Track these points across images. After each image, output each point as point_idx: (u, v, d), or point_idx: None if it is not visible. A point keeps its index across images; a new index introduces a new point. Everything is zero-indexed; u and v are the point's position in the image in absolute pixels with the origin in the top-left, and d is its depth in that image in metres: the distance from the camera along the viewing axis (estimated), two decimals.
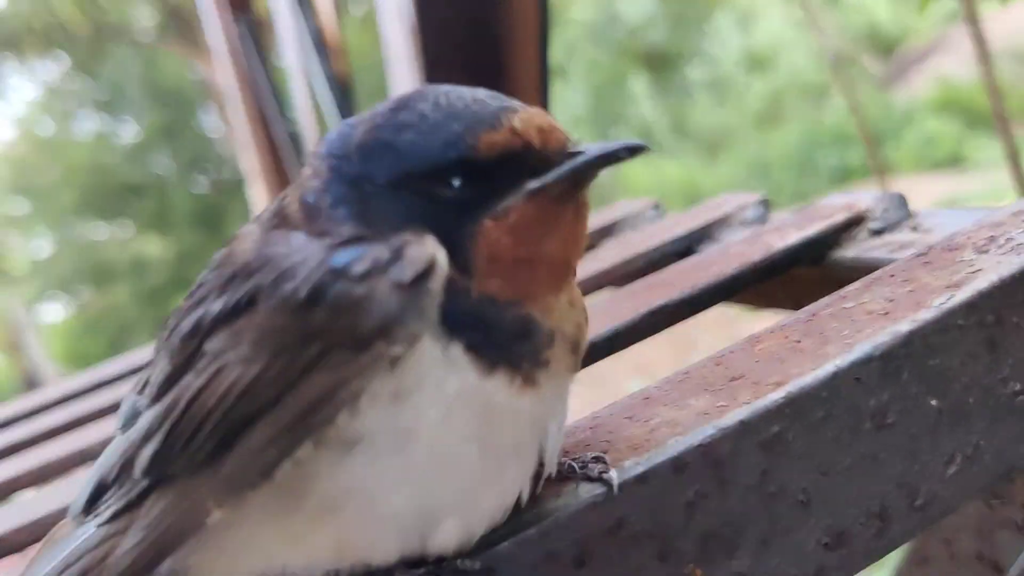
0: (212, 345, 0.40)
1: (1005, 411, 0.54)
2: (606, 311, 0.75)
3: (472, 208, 0.40)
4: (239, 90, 2.79)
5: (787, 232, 0.81)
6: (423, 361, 0.39)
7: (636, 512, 0.47)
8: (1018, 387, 0.55)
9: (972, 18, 2.20)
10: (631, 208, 1.14)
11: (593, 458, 0.48)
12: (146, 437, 0.42)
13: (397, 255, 0.38)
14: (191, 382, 0.40)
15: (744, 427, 0.49)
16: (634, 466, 0.47)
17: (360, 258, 0.38)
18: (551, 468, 0.46)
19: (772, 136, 9.42)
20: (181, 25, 7.90)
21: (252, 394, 0.38)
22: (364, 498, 0.40)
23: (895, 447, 0.52)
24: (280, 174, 2.80)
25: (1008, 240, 0.59)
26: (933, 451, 0.53)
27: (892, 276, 0.60)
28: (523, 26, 1.11)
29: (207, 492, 0.39)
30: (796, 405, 0.50)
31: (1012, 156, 2.23)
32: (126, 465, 0.43)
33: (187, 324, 0.42)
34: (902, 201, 0.79)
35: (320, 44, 2.05)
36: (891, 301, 0.57)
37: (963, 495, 0.54)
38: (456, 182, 0.40)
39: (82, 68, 10.32)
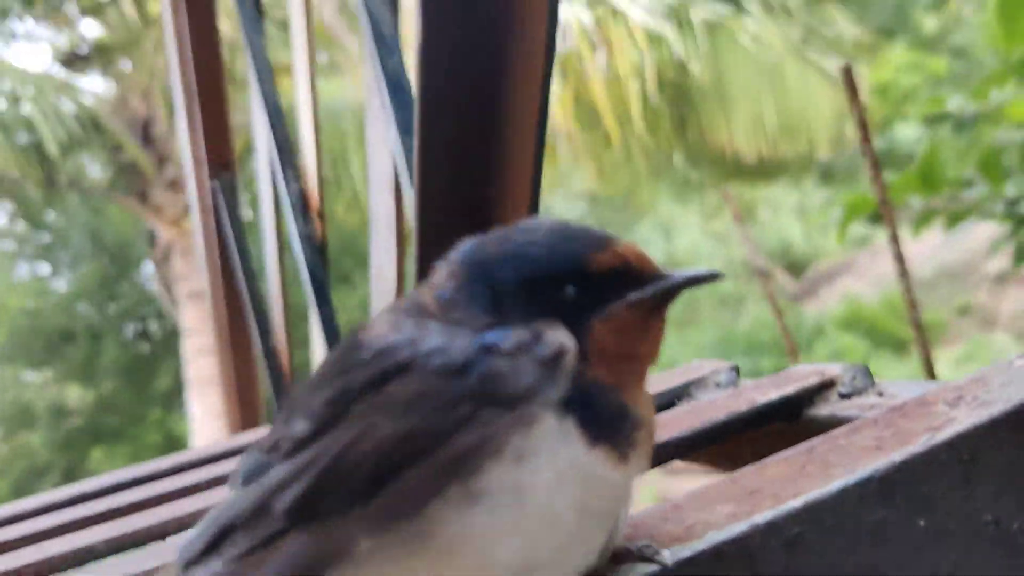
0: (360, 407, 0.48)
1: (979, 537, 0.64)
2: None
3: (585, 311, 0.50)
4: (204, 245, 2.87)
5: (767, 390, 0.92)
6: (545, 430, 0.47)
7: None
8: (990, 517, 0.64)
9: (894, 237, 2.43)
10: None
11: (644, 544, 0.56)
12: (282, 486, 0.49)
13: (537, 338, 0.47)
14: (341, 436, 0.47)
15: (771, 527, 0.58)
16: (680, 551, 0.55)
17: (507, 338, 0.47)
18: (616, 542, 0.54)
19: (689, 335, 9.77)
20: (132, 180, 8.08)
21: (409, 442, 0.45)
22: (480, 545, 0.47)
23: (889, 559, 0.61)
24: (234, 327, 2.84)
25: (975, 398, 0.70)
26: (919, 565, 0.62)
27: (875, 423, 0.71)
28: (515, 206, 1.24)
29: (357, 526, 0.46)
30: (812, 512, 0.59)
31: (928, 368, 2.42)
32: (260, 510, 0.49)
33: (330, 392, 0.50)
34: (867, 371, 0.91)
35: (303, 206, 2.16)
36: (879, 439, 0.67)
37: None
38: (571, 289, 0.50)
39: (26, 215, 10.40)
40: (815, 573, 0.58)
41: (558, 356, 0.47)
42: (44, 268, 11.56)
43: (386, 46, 1.54)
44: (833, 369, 0.93)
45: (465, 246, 0.53)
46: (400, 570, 0.47)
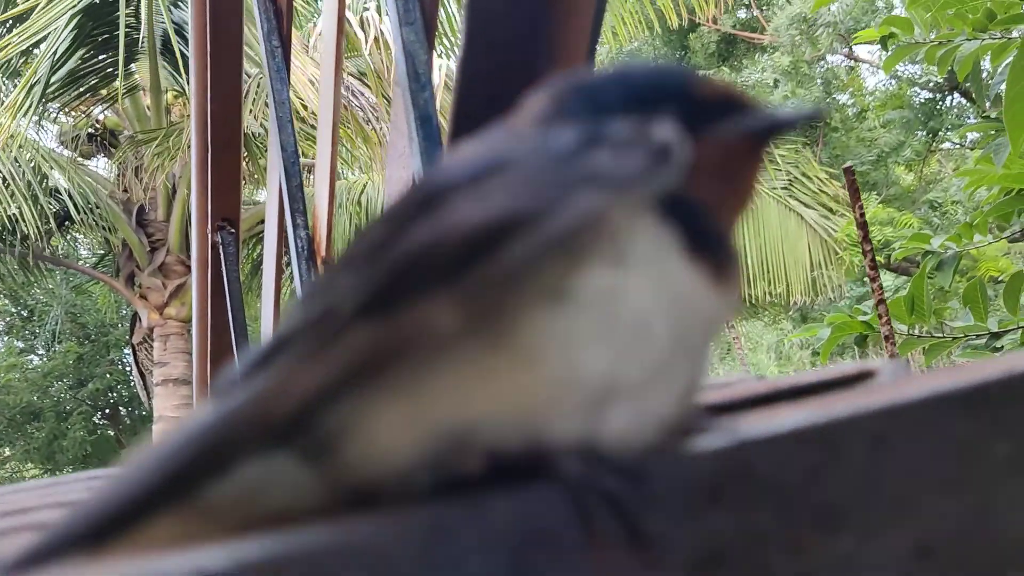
0: (454, 197, 0.44)
1: None
2: None
3: (690, 128, 0.47)
4: (200, 308, 2.84)
5: (804, 377, 0.88)
6: (645, 228, 0.44)
7: (763, 466, 0.50)
8: None
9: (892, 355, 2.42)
10: None
11: (720, 420, 0.52)
12: (352, 288, 0.45)
13: (649, 129, 0.44)
14: (425, 228, 0.44)
15: (853, 421, 0.54)
16: (760, 429, 0.51)
17: (617, 126, 0.44)
18: (701, 388, 0.50)
19: None
20: (121, 263, 8.04)
21: (512, 217, 0.42)
22: (565, 350, 0.43)
23: (970, 478, 0.57)
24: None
25: None
26: (1001, 494, 0.58)
27: (936, 374, 0.68)
28: None
29: (438, 311, 0.42)
30: (896, 415, 0.55)
31: None
32: (326, 315, 0.45)
33: (414, 198, 0.47)
34: (907, 364, 0.88)
35: (309, 253, 2.14)
36: (953, 373, 0.63)
37: None
38: (678, 108, 0.48)
39: (8, 291, 10.29)
40: (896, 472, 0.54)
41: (670, 146, 0.44)
42: (20, 343, 11.37)
43: (419, 82, 1.56)
44: (874, 364, 0.90)
45: (560, 78, 0.51)
46: (477, 369, 0.43)
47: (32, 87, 6.89)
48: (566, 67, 1.09)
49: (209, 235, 2.70)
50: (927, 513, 0.55)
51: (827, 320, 3.41)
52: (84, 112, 8.11)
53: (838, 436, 0.53)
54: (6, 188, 7.01)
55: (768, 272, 7.10)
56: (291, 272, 2.28)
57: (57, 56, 7.00)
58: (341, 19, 2.00)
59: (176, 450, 0.45)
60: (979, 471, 0.57)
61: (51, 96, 7.49)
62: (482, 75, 1.27)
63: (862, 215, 2.42)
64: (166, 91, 7.75)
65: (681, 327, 0.45)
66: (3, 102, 7.07)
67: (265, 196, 2.68)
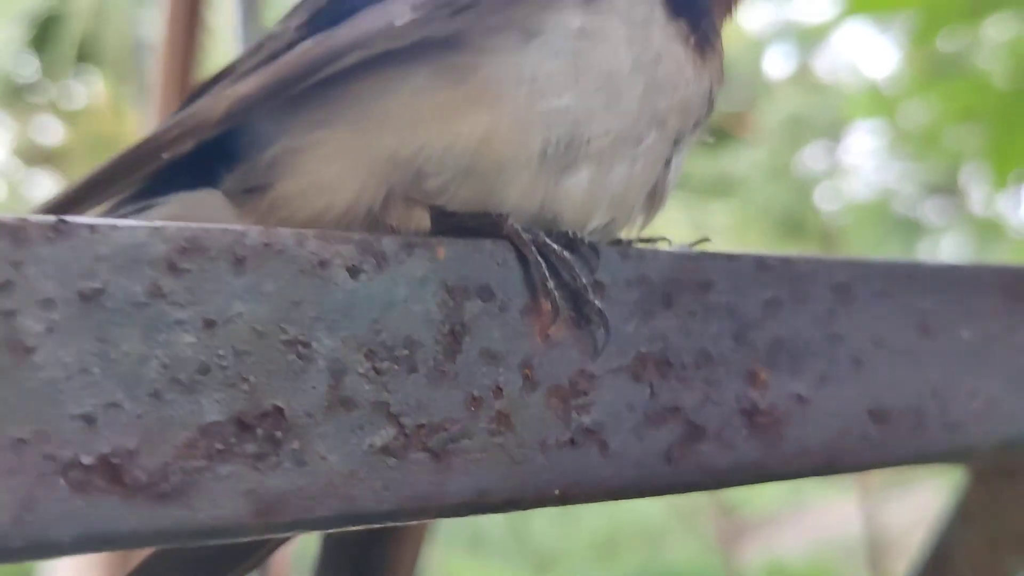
0: None
1: (1017, 380, 0.57)
2: None
3: None
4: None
5: None
6: None
7: (723, 283, 0.47)
8: None
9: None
10: None
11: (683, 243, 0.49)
12: (304, 3, 0.42)
13: None
14: None
15: (819, 264, 0.51)
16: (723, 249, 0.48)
17: None
18: (664, 198, 0.47)
19: (610, 566, 9.45)
20: None
21: None
22: (529, 91, 0.40)
23: (933, 357, 0.54)
24: None
25: None
26: (959, 379, 0.55)
27: None
28: None
29: (402, 2, 0.39)
30: (861, 269, 0.53)
31: None
32: (271, 37, 0.43)
33: None
34: None
35: None
36: None
37: (986, 440, 0.55)
38: None
39: None
40: (856, 335, 0.51)
41: None
42: None
43: None
44: None
45: None
46: (433, 98, 0.40)
47: None
48: None
49: None
50: (882, 378, 0.52)
51: None
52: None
53: (802, 274, 0.50)
54: None
55: None
56: None
57: None
58: None
59: (97, 169, 0.41)
60: (941, 350, 0.55)
61: None
62: None
63: None
64: None
65: (654, 93, 0.43)
66: None
67: None
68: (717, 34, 0.45)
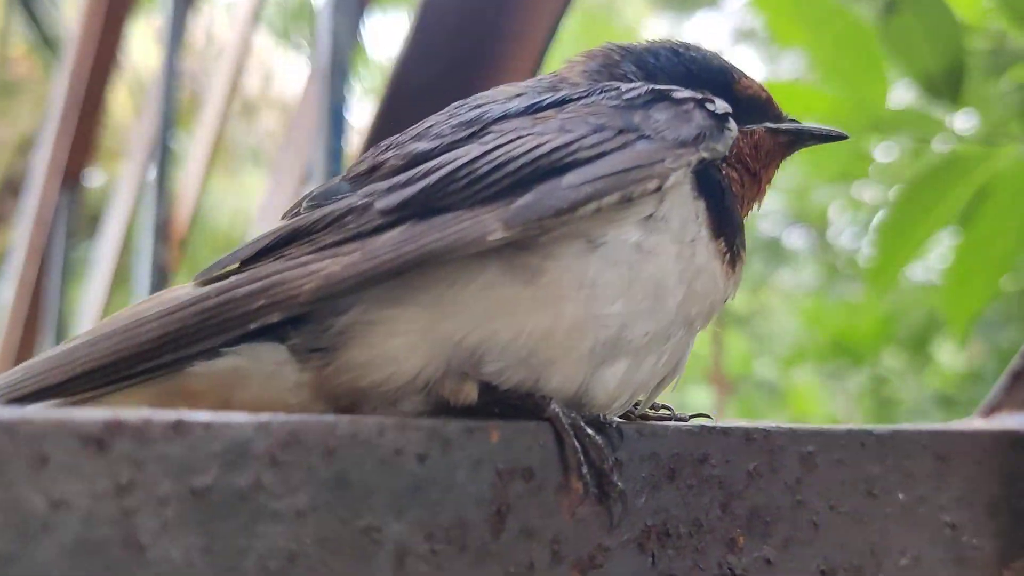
0: (506, 126, 0.45)
1: (936, 536, 0.65)
2: None
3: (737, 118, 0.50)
4: (25, 258, 2.65)
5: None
6: (683, 196, 0.46)
7: (717, 456, 0.52)
8: (948, 520, 0.65)
9: None
10: None
11: (683, 414, 0.54)
12: (394, 187, 0.44)
13: (708, 98, 0.46)
14: (481, 144, 0.44)
15: (792, 434, 0.57)
16: (713, 423, 0.53)
17: (680, 90, 0.46)
18: (679, 374, 0.51)
19: None
20: None
21: (569, 151, 0.43)
22: (587, 295, 0.44)
23: (874, 518, 0.60)
24: (25, 351, 2.57)
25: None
26: (894, 538, 0.62)
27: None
28: None
29: (494, 216, 0.42)
30: (825, 438, 0.58)
31: None
32: (354, 211, 0.44)
33: (458, 120, 0.47)
34: None
35: (162, 231, 2.05)
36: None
37: None
38: (715, 99, 0.50)
39: None
40: (816, 500, 0.57)
41: (727, 115, 0.46)
42: None
43: (339, 74, 1.55)
44: None
45: (611, 43, 0.53)
46: (501, 295, 0.43)
47: None
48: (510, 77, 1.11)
49: (55, 193, 2.53)
50: (834, 539, 0.58)
51: None
52: None
53: (779, 445, 0.55)
54: None
55: None
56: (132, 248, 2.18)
57: None
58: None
59: (175, 320, 0.43)
60: (881, 512, 0.61)
61: None
62: (418, 78, 1.26)
63: None
64: None
65: (690, 301, 0.47)
66: None
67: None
68: (744, 246, 0.50)
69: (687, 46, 0.52)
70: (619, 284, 0.44)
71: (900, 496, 0.62)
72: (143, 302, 0.47)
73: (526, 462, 0.43)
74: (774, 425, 0.56)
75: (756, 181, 0.51)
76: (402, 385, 0.43)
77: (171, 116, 2.13)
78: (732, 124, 0.47)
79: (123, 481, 0.32)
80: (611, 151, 0.43)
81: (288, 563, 0.36)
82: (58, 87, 2.65)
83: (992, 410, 0.81)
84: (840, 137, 0.54)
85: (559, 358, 0.44)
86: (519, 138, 0.44)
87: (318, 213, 0.46)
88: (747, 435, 0.54)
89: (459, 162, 0.44)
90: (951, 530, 0.65)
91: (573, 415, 0.44)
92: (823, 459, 0.58)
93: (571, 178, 0.42)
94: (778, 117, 0.53)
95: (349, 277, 0.41)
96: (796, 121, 0.53)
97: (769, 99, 0.52)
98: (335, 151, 1.52)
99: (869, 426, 0.61)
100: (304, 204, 0.49)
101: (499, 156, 0.43)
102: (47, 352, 0.44)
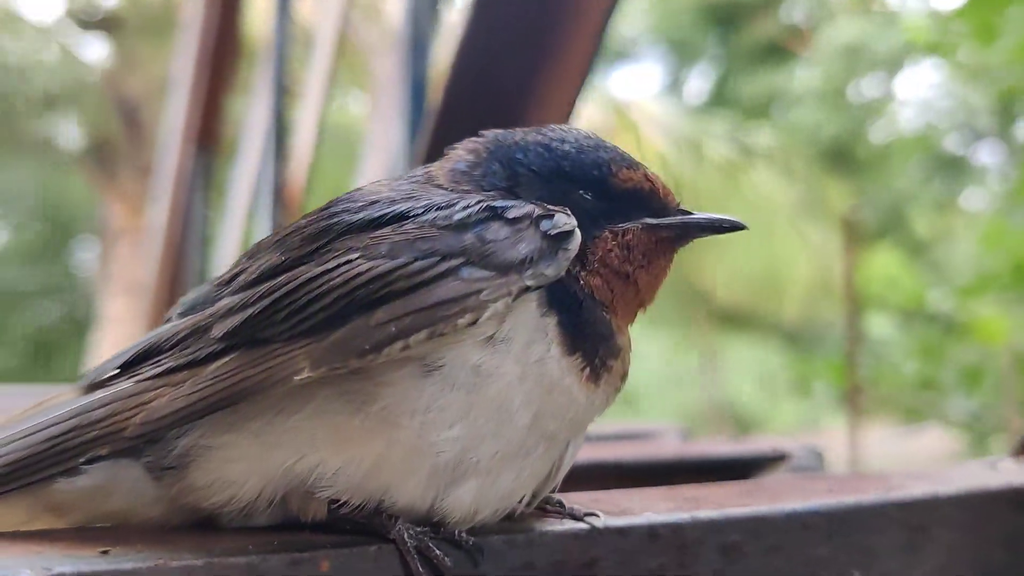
0: (344, 244, 0.44)
1: None
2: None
3: (598, 219, 0.47)
4: (167, 221, 2.81)
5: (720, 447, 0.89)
6: (525, 313, 0.44)
7: (610, 560, 0.50)
8: None
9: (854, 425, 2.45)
10: None
11: (575, 506, 0.52)
12: (230, 310, 0.45)
13: (548, 214, 0.44)
14: (311, 269, 0.44)
15: (712, 525, 0.54)
16: (616, 519, 0.51)
17: (517, 207, 0.44)
18: (557, 482, 0.49)
19: None
20: (105, 156, 7.85)
21: (386, 281, 0.42)
22: (422, 422, 0.43)
23: None
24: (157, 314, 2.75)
25: (938, 475, 0.68)
26: None
27: (831, 477, 0.68)
28: None
29: (304, 354, 0.41)
30: (757, 524, 0.55)
31: None
32: (197, 332, 0.45)
33: (312, 230, 0.46)
34: (820, 455, 0.88)
35: (279, 195, 2.12)
36: (833, 486, 0.64)
37: None
38: (590, 196, 0.47)
39: None
40: None
41: (564, 235, 0.44)
42: None
43: (420, 50, 1.54)
44: (790, 444, 0.90)
45: (489, 133, 0.50)
46: (333, 423, 0.43)
47: None
48: (567, 69, 1.07)
49: (188, 156, 2.67)
50: None
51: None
52: None
53: (692, 540, 0.53)
54: None
55: (766, 287, 6.99)
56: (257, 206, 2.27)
57: None
58: None
59: (32, 443, 0.45)
60: None
61: None
62: (476, 66, 1.23)
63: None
64: None
65: (544, 419, 0.45)
66: None
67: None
68: (615, 355, 0.47)
69: (564, 138, 0.49)
70: (457, 408, 0.43)
71: (855, 574, 0.58)
72: (29, 408, 0.49)
73: None
74: (688, 518, 0.53)
75: (630, 283, 0.48)
76: (245, 506, 0.44)
77: (282, 85, 2.19)
78: (571, 243, 0.44)
79: None
80: (429, 281, 0.42)
81: None
82: (184, 56, 2.77)
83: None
84: (735, 228, 0.49)
85: (397, 483, 0.44)
86: (347, 262, 0.43)
87: (174, 327, 0.47)
88: (651, 532, 0.51)
89: (285, 289, 0.43)
90: None
91: (420, 534, 0.44)
92: (753, 547, 0.55)
93: (381, 314, 0.41)
94: (662, 210, 0.49)
95: (171, 413, 0.43)
96: (686, 212, 0.49)
97: (653, 190, 0.48)
98: (415, 125, 1.52)
99: (817, 504, 0.57)
100: (175, 310, 0.50)
101: (321, 286, 0.43)
102: None
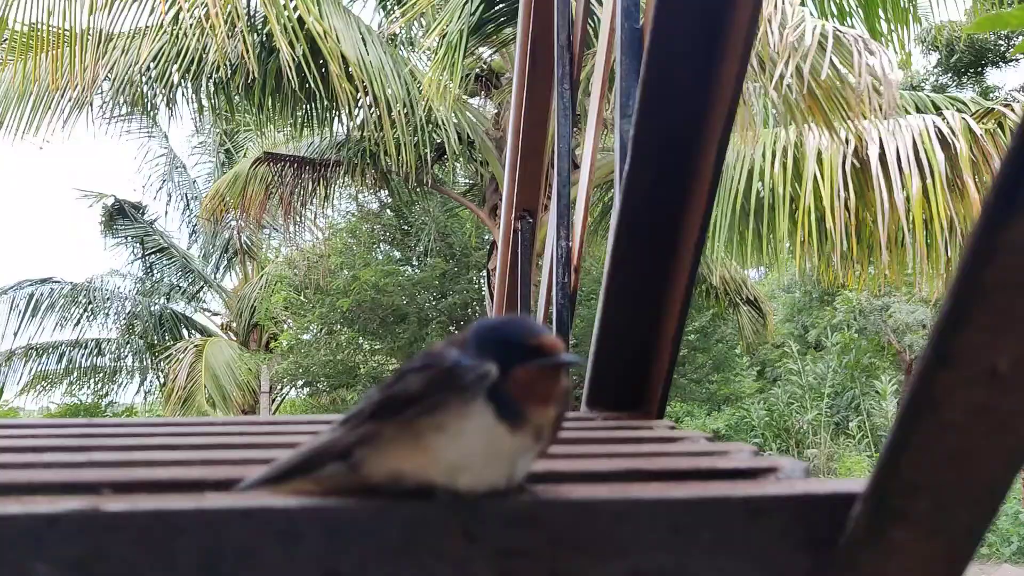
0: (408, 376, 1.03)
1: None
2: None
3: (517, 361, 1.01)
4: (500, 273, 3.59)
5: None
6: (476, 407, 0.99)
7: (559, 523, 1.03)
8: None
9: None
10: None
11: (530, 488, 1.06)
12: (376, 403, 1.05)
13: (481, 364, 0.99)
14: (394, 387, 1.03)
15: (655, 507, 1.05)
16: (547, 495, 1.04)
17: (470, 362, 1.00)
18: (520, 478, 1.04)
19: None
20: (488, 193, 9.04)
21: (416, 394, 1.00)
22: (438, 448, 1.00)
23: None
24: None
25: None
26: None
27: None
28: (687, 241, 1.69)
29: (388, 423, 1.01)
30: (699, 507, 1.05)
31: None
32: (359, 414, 1.06)
33: (402, 370, 1.05)
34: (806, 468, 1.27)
35: (566, 260, 2.75)
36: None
37: None
38: (515, 351, 1.01)
39: (395, 206, 12.22)
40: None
41: (486, 374, 0.98)
42: (398, 253, 13.06)
43: (625, 114, 2.06)
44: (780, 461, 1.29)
45: (474, 325, 1.06)
46: (401, 450, 1.01)
47: (444, 37, 7.85)
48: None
49: (512, 222, 3.40)
50: None
51: None
52: (472, 53, 8.97)
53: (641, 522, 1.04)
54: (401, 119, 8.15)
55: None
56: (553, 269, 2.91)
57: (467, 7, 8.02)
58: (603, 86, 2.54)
59: (305, 452, 1.08)
60: None
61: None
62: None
63: None
64: None
65: (494, 450, 1.00)
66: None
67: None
68: (525, 421, 1.00)
69: (504, 326, 1.00)
70: (454, 445, 0.98)
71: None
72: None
73: (427, 522, 1.02)
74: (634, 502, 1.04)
75: (534, 393, 0.97)
76: (387, 483, 1.04)
77: (564, 167, 2.82)
78: (491, 376, 0.97)
79: None
80: (430, 394, 0.99)
81: None
82: (510, 135, 3.50)
83: None
84: (575, 363, 1.01)
85: (436, 473, 1.01)
86: (405, 384, 1.02)
87: (366, 402, 1.08)
88: (580, 505, 1.04)
89: (385, 399, 1.03)
90: None
91: (450, 496, 1.02)
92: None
93: (414, 409, 1.00)
94: (551, 355, 0.99)
95: (350, 443, 1.03)
96: (558, 358, 1.01)
97: (546, 346, 0.99)
98: None
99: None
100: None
101: (396, 394, 1.02)
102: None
